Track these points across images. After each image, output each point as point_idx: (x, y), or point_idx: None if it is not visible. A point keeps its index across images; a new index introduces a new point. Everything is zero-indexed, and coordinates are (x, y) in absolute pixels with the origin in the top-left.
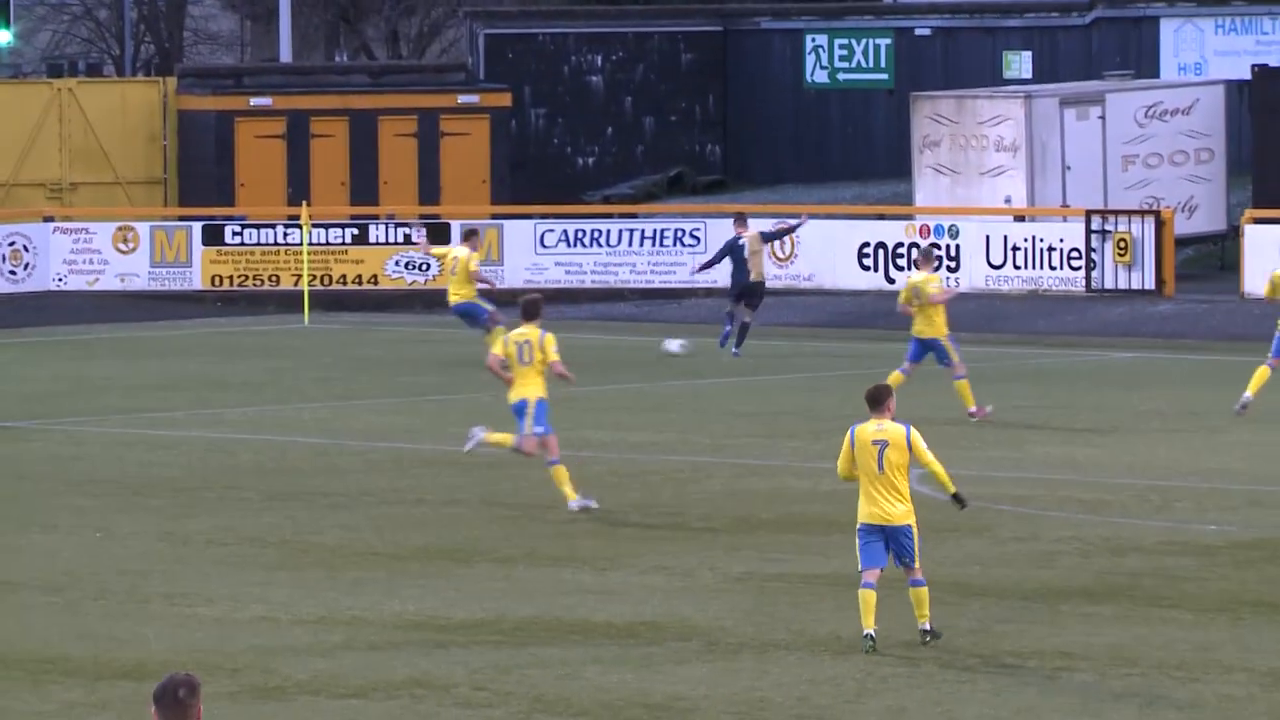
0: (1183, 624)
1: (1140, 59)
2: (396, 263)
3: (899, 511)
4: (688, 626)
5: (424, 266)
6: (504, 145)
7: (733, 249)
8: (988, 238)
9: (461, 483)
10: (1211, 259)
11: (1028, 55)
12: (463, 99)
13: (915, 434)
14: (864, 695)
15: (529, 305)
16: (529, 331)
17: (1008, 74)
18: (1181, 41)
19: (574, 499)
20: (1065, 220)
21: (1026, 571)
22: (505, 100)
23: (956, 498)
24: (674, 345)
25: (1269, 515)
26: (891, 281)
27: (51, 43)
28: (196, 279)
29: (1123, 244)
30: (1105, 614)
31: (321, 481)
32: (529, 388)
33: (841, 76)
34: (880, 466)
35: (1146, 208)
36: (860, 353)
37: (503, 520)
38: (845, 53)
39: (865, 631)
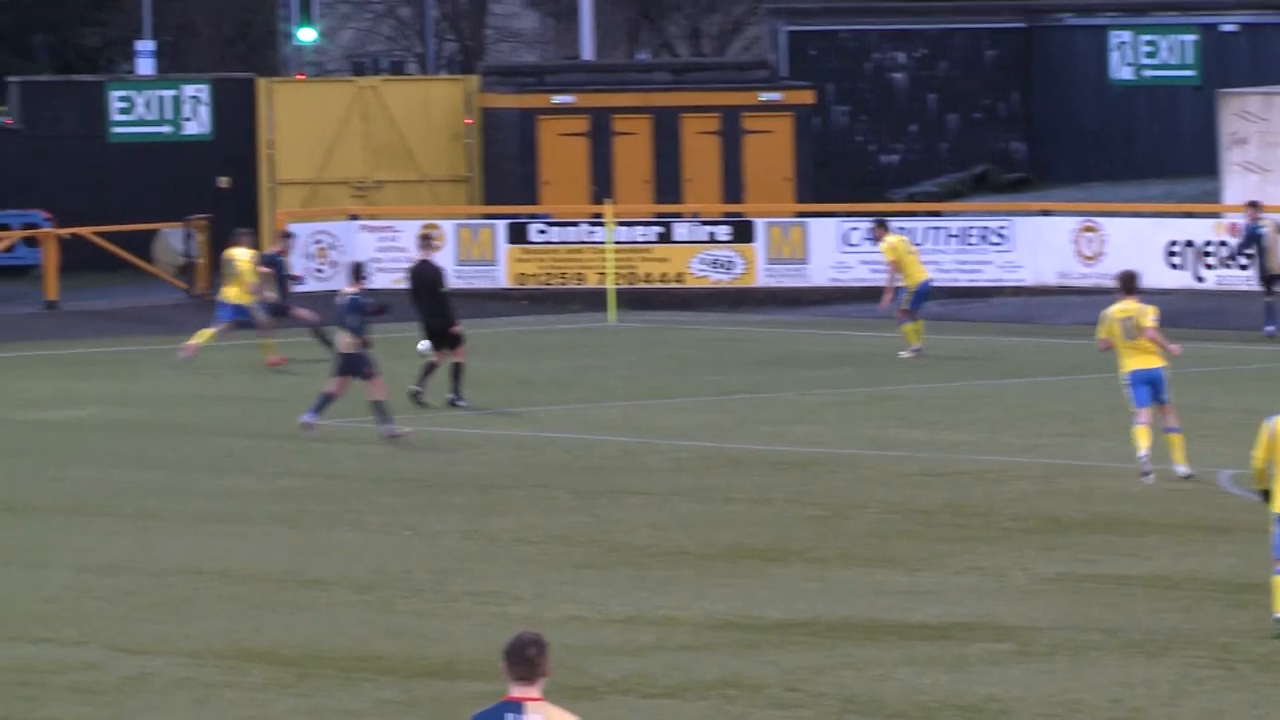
0: None
1: None
2: (701, 261)
3: None
4: (1001, 628)
5: (729, 265)
6: (807, 143)
7: (1254, 236)
8: None
9: (770, 482)
10: None
11: None
12: (765, 97)
13: None
14: (1179, 697)
15: (1126, 278)
16: (1130, 306)
17: None
18: None
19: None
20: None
21: None
22: (808, 98)
23: None
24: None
25: None
26: (1200, 280)
27: (355, 41)
28: (502, 277)
29: None
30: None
31: (629, 480)
32: (1141, 359)
33: (1147, 73)
34: None
35: None
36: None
37: (813, 520)
38: (1150, 49)
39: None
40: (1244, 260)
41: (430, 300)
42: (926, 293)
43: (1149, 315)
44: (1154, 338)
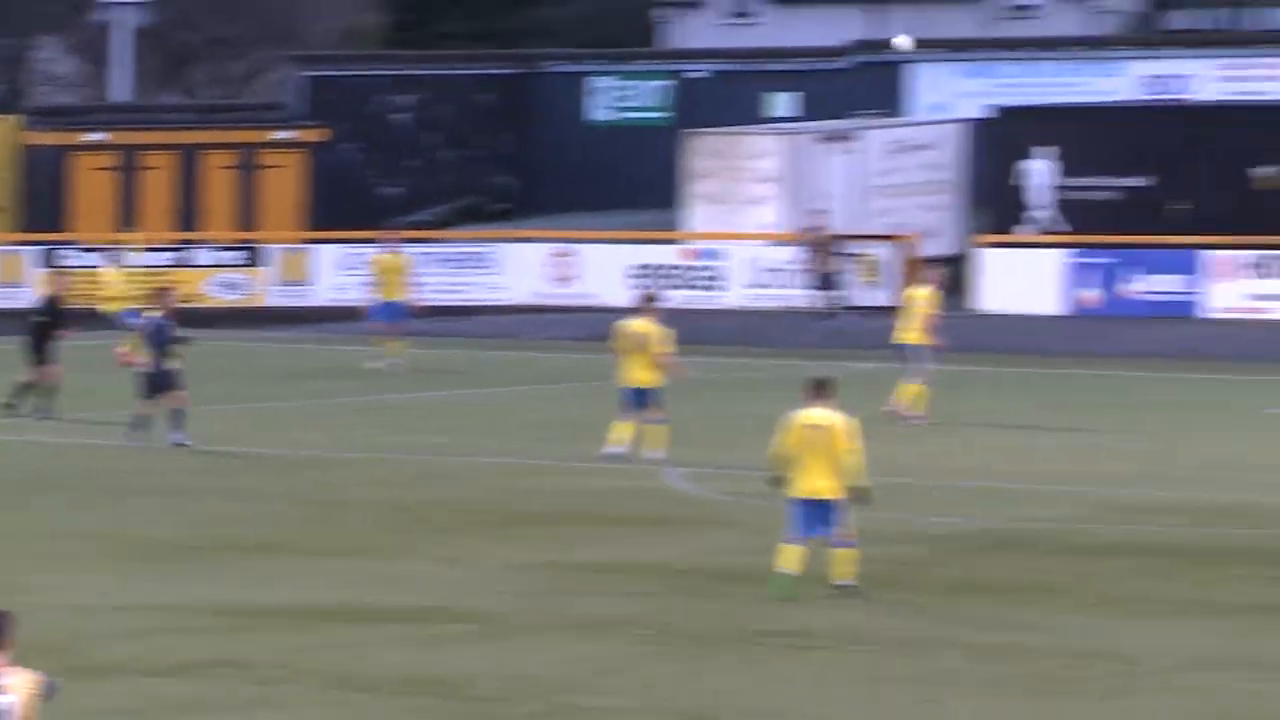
0: (909, 606)
1: (892, 99)
2: (216, 282)
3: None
4: (469, 611)
5: (241, 286)
6: (317, 176)
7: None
8: (749, 260)
9: (272, 482)
10: (948, 278)
11: (791, 96)
12: (280, 135)
13: None
14: (620, 670)
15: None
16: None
17: (772, 113)
18: (930, 84)
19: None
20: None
21: (770, 559)
22: (320, 136)
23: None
24: None
25: (992, 509)
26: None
27: None
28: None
29: (870, 266)
30: (843, 598)
31: (144, 481)
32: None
33: (624, 114)
34: (814, 447)
35: (892, 233)
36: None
37: (308, 516)
38: (627, 93)
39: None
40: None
41: None
42: (396, 312)
43: (657, 338)
44: (668, 361)
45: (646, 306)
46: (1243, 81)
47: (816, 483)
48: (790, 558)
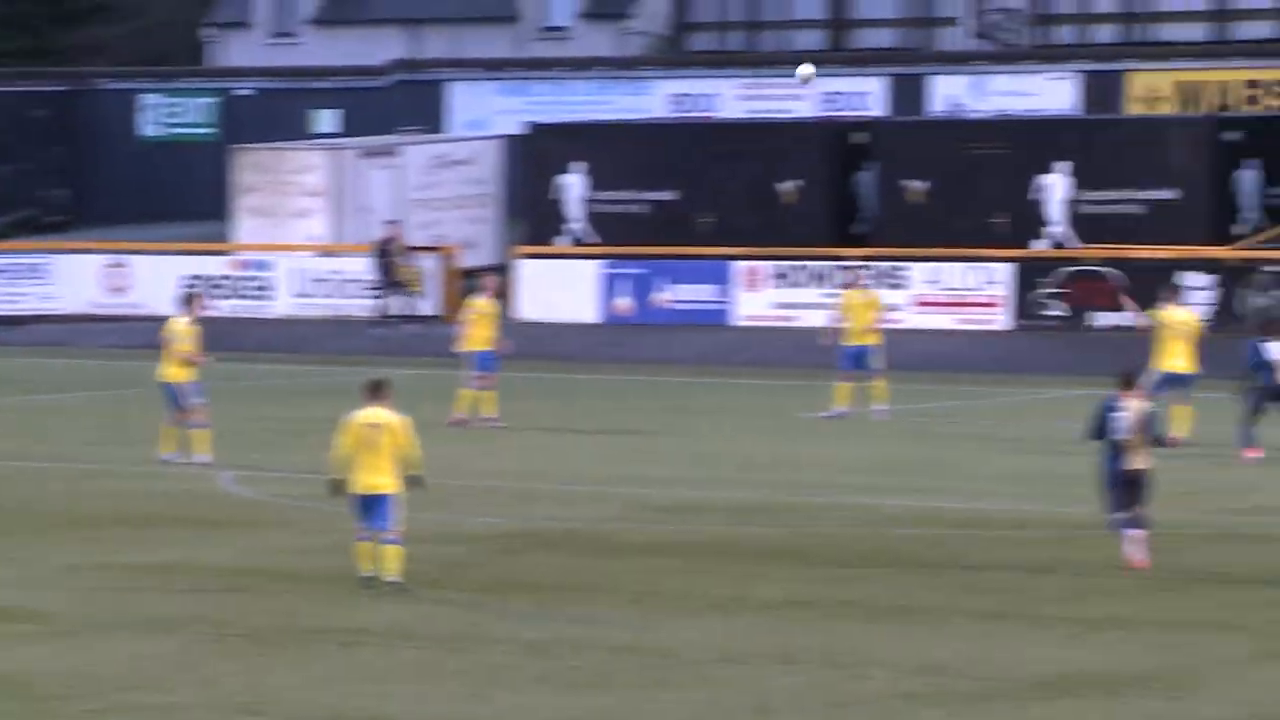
0: (454, 603)
1: (432, 116)
2: None
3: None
4: (30, 611)
5: None
6: None
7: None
8: (296, 271)
9: None
10: (499, 287)
11: (335, 113)
12: None
13: None
14: (183, 668)
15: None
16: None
17: (317, 129)
18: (466, 101)
19: None
20: (363, 255)
21: (325, 559)
22: None
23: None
24: None
25: (532, 509)
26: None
27: None
28: None
29: (413, 276)
30: (392, 596)
31: None
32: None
33: (173, 131)
34: (371, 445)
35: (434, 244)
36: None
37: None
38: (176, 110)
39: None
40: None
41: None
42: None
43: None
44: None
45: (187, 307)
46: (763, 100)
47: (373, 479)
48: (365, 555)
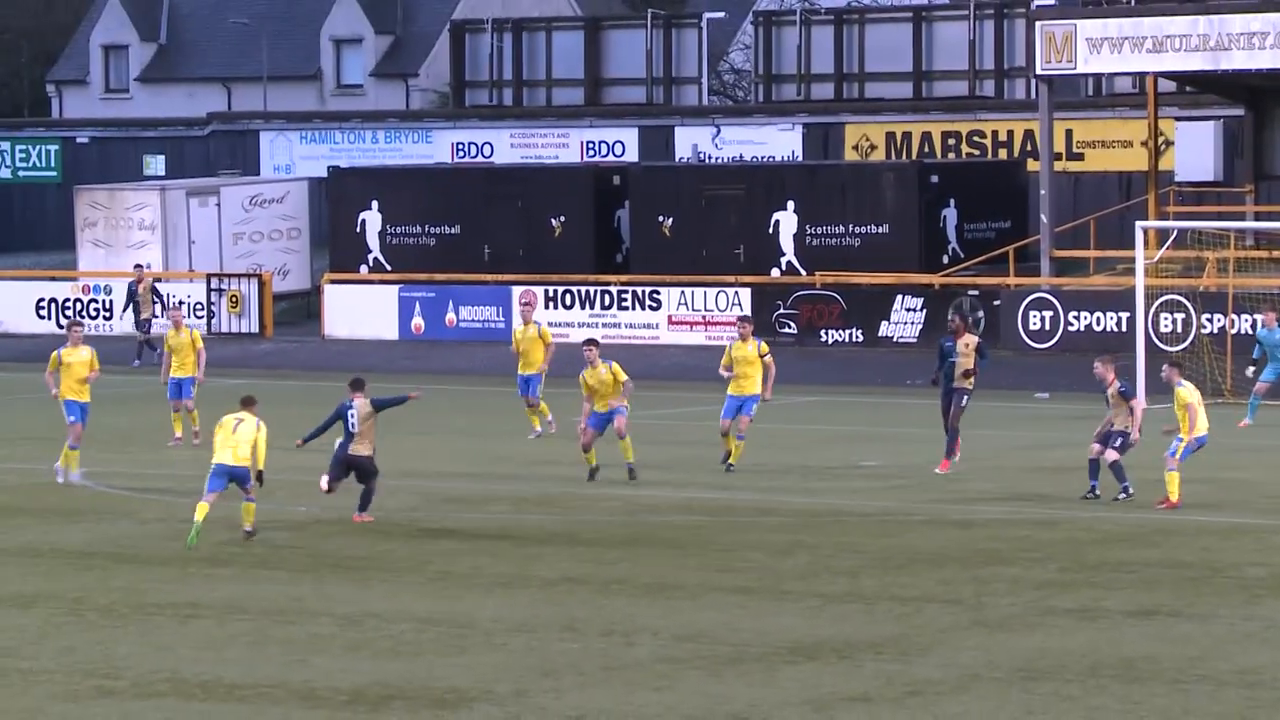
0: (279, 581)
1: (246, 161)
2: None
3: None
4: None
5: None
6: None
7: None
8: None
9: None
10: (300, 310)
11: (162, 158)
12: None
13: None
14: (43, 638)
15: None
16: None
17: (147, 172)
18: (276, 148)
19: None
20: (192, 281)
21: (164, 543)
22: None
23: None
24: None
25: (343, 500)
26: (61, 327)
27: None
28: None
29: (235, 299)
30: (224, 574)
31: None
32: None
33: (21, 173)
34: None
35: (252, 272)
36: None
37: None
38: (24, 155)
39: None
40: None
41: None
42: None
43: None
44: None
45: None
46: (533, 147)
47: (227, 454)
48: (202, 513)
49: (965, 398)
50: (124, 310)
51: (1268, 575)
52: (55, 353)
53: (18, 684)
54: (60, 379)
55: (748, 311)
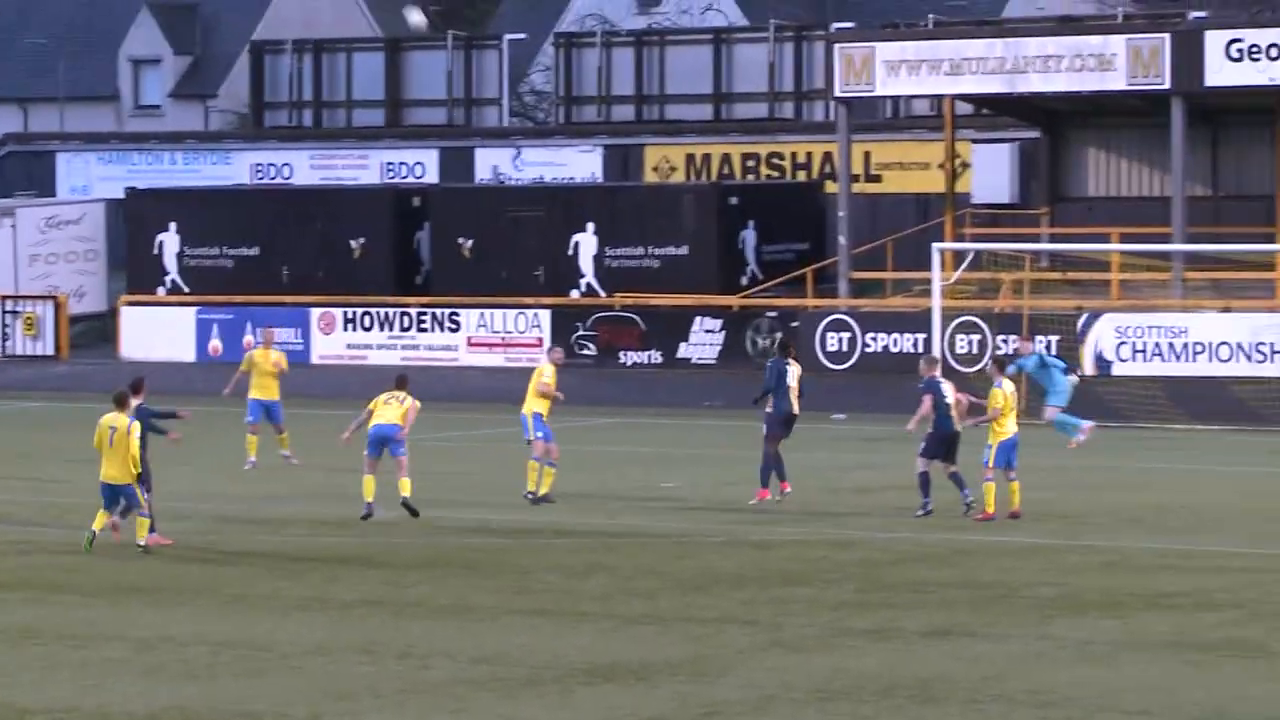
0: (73, 604)
1: (43, 182)
2: None
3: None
4: None
5: None
6: None
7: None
8: None
9: None
10: (97, 331)
11: None
12: None
13: None
14: None
15: None
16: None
17: None
18: (73, 169)
19: None
20: None
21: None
22: None
23: None
24: None
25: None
26: None
27: None
28: None
29: (30, 321)
30: (15, 599)
31: None
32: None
33: None
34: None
35: (48, 293)
36: None
37: None
38: None
39: None
40: None
41: None
42: None
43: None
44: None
45: None
46: (330, 169)
47: (110, 471)
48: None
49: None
50: None
51: (1059, 595)
52: None
53: None
54: None
55: (547, 333)
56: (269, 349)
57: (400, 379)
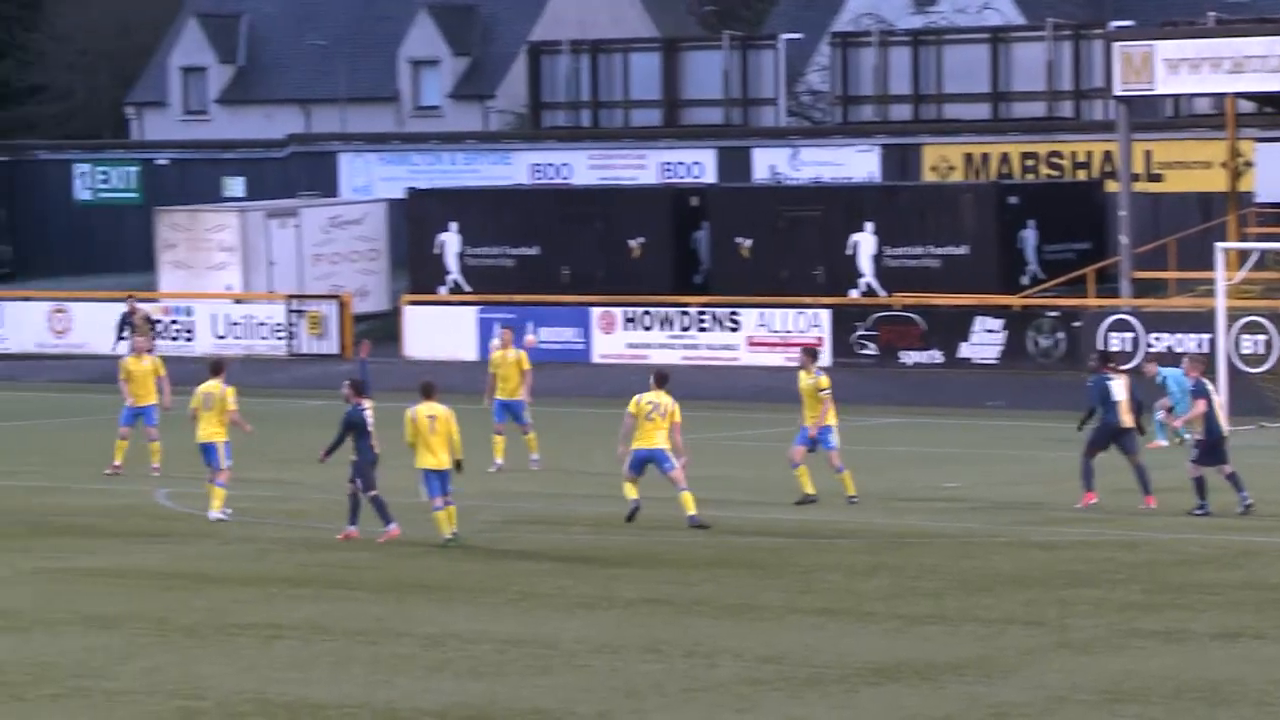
0: (362, 601)
1: (325, 182)
2: None
3: None
4: None
5: None
6: None
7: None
8: (213, 316)
9: None
10: (380, 331)
11: (241, 180)
12: None
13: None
14: (129, 658)
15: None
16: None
17: (227, 194)
18: (354, 170)
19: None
20: (271, 302)
21: (245, 564)
22: None
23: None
24: None
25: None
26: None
27: None
28: None
29: (315, 320)
30: (306, 595)
31: None
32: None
33: (101, 195)
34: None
35: (332, 293)
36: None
37: None
38: (104, 177)
39: None
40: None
41: None
42: None
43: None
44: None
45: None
46: (609, 169)
47: (436, 457)
48: (443, 522)
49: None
50: (118, 339)
51: None
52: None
53: (102, 704)
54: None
55: (827, 333)
56: (508, 349)
57: (660, 376)
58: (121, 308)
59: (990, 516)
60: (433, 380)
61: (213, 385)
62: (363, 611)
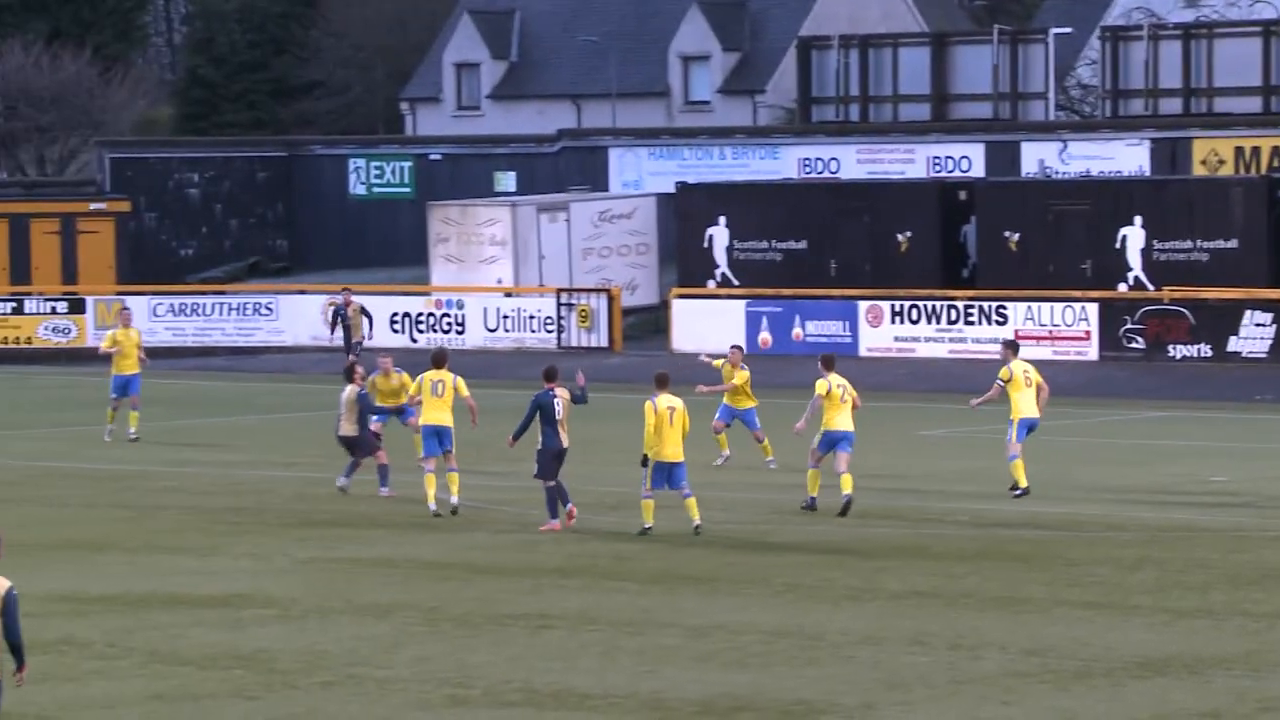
0: (629, 592)
1: (595, 177)
2: (45, 327)
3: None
4: (268, 598)
5: (67, 330)
6: (125, 240)
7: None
8: (485, 309)
9: (94, 491)
10: (649, 324)
11: (513, 174)
12: (93, 206)
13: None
14: (398, 647)
15: (437, 355)
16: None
17: (498, 188)
18: (624, 164)
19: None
20: (542, 296)
21: (515, 554)
22: (126, 207)
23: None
24: None
25: (680, 512)
26: (415, 341)
27: None
28: None
29: (584, 313)
30: (575, 585)
31: None
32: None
33: (375, 190)
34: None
35: (601, 286)
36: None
37: (126, 519)
38: (378, 172)
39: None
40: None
41: None
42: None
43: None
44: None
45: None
46: (877, 163)
47: (669, 450)
48: (649, 510)
49: None
50: (332, 333)
51: None
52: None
53: (373, 692)
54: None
55: (1095, 327)
56: (736, 368)
57: (826, 358)
58: (336, 299)
59: (1259, 511)
60: (667, 371)
61: (442, 373)
62: (630, 602)
